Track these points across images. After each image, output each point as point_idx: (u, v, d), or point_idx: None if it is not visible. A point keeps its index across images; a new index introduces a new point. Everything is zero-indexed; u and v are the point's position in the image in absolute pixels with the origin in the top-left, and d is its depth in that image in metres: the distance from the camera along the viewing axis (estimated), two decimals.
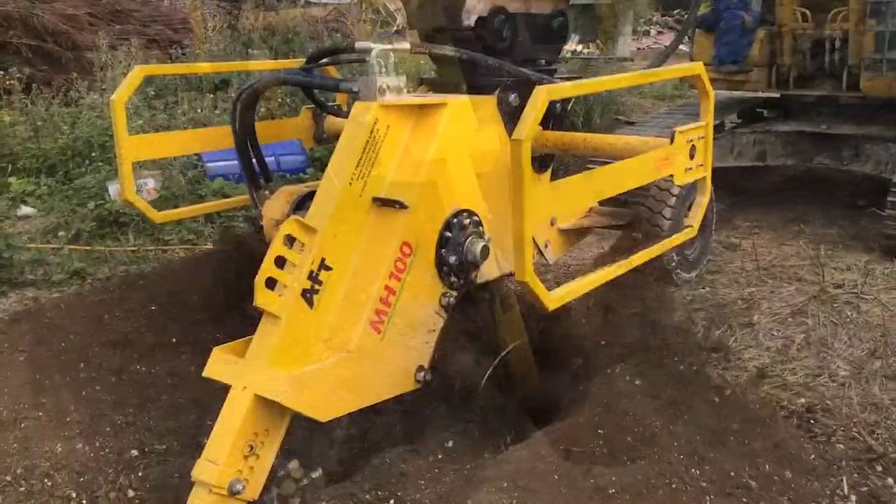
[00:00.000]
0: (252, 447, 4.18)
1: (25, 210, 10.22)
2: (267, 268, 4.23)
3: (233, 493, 4.08)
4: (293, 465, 4.51)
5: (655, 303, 5.76)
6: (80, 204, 10.01)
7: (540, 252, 5.53)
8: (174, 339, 5.25)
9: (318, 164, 11.27)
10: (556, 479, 3.33)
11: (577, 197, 4.24)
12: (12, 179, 10.95)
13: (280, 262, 4.30)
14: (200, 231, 9.37)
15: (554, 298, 3.86)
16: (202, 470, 4.07)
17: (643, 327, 5.25)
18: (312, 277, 4.33)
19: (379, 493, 4.38)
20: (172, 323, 5.31)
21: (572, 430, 3.57)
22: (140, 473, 4.63)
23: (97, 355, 5.01)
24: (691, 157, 4.60)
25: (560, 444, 3.47)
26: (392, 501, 4.28)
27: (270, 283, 4.25)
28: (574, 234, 5.90)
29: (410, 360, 4.69)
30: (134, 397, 4.96)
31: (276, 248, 4.28)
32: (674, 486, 3.67)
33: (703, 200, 4.84)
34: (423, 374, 4.69)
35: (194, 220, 9.50)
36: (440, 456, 4.70)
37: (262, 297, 4.19)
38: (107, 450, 4.69)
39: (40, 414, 4.63)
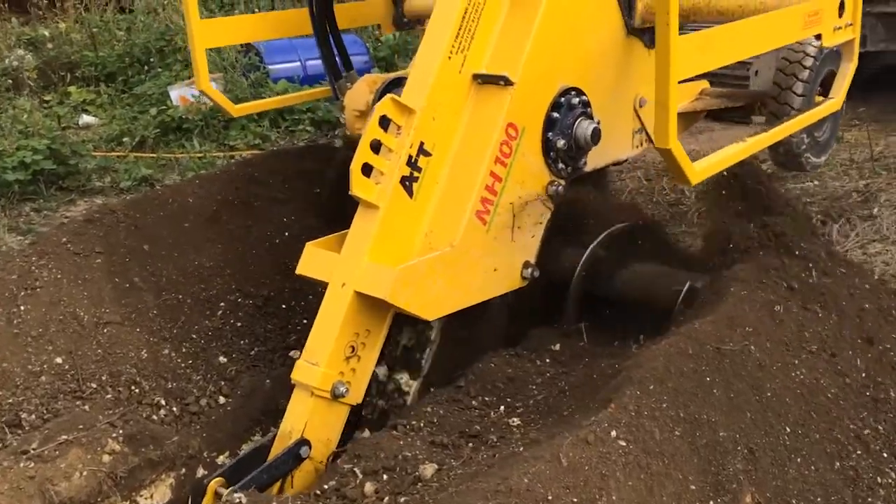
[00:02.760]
0: (354, 348, 3.85)
1: (87, 119, 9.96)
2: (363, 153, 3.80)
3: (336, 397, 3.78)
4: (393, 369, 4.21)
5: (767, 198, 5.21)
6: (142, 111, 9.70)
7: (649, 138, 4.99)
8: (257, 238, 4.90)
9: (383, 65, 10.73)
10: (713, 380, 2.90)
11: (720, 53, 3.70)
12: (72, 88, 10.68)
13: (376, 147, 3.87)
14: (266, 135, 8.98)
15: (697, 171, 3.37)
16: (303, 372, 3.77)
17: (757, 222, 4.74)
18: (411, 163, 3.90)
19: (486, 398, 4.02)
20: (256, 222, 4.96)
21: (715, 327, 3.13)
22: (230, 379, 4.33)
23: (178, 257, 4.70)
24: (840, 14, 4.00)
25: (707, 341, 3.03)
26: (503, 408, 3.91)
27: (366, 171, 3.84)
28: (683, 119, 5.35)
29: (516, 254, 4.28)
30: (219, 300, 4.65)
31: (372, 131, 3.84)
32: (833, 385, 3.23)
33: (849, 68, 4.24)
34: (529, 270, 4.27)
35: (259, 125, 9.12)
36: (547, 360, 4.30)
37: (359, 186, 3.78)
38: (194, 356, 4.41)
39: (122, 319, 4.35)
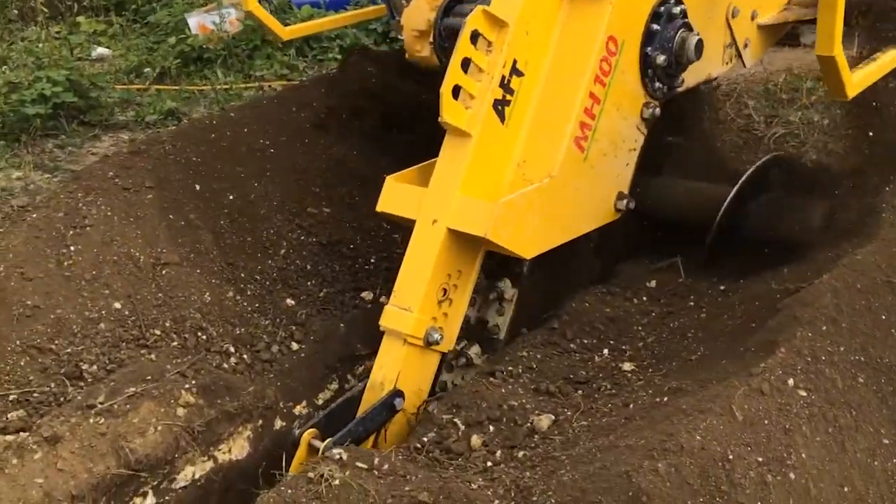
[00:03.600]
0: (446, 291, 3.51)
1: (100, 51, 9.41)
2: (453, 74, 3.39)
3: (429, 344, 3.46)
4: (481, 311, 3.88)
5: None
6: (158, 41, 9.17)
7: (738, 54, 4.58)
8: (318, 172, 4.52)
9: None
10: (889, 318, 2.57)
11: None
12: (81, 19, 10.11)
13: (465, 66, 3.47)
14: (293, 65, 8.50)
15: (854, 83, 2.99)
16: (394, 319, 3.43)
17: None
18: (504, 85, 3.50)
19: (586, 340, 3.70)
20: (314, 155, 4.56)
21: (880, 258, 2.78)
22: (301, 324, 4.00)
23: (233, 192, 4.32)
24: None
25: (874, 273, 2.69)
26: (606, 351, 3.60)
27: (455, 94, 3.44)
28: (772, 32, 4.91)
29: (611, 185, 3.92)
30: (281, 239, 4.29)
31: (462, 48, 3.42)
32: None
33: None
34: (624, 201, 3.92)
35: (285, 54, 8.62)
36: (645, 298, 3.98)
37: (450, 111, 3.38)
38: (260, 298, 4.07)
39: (181, 259, 4.00)
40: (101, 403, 3.28)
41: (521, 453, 2.96)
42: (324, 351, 3.90)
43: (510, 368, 3.53)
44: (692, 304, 3.77)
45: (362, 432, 3.36)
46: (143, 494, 3.25)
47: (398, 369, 3.42)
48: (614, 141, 3.87)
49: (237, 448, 3.53)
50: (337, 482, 2.76)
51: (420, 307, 3.38)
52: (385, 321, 3.44)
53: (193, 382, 3.46)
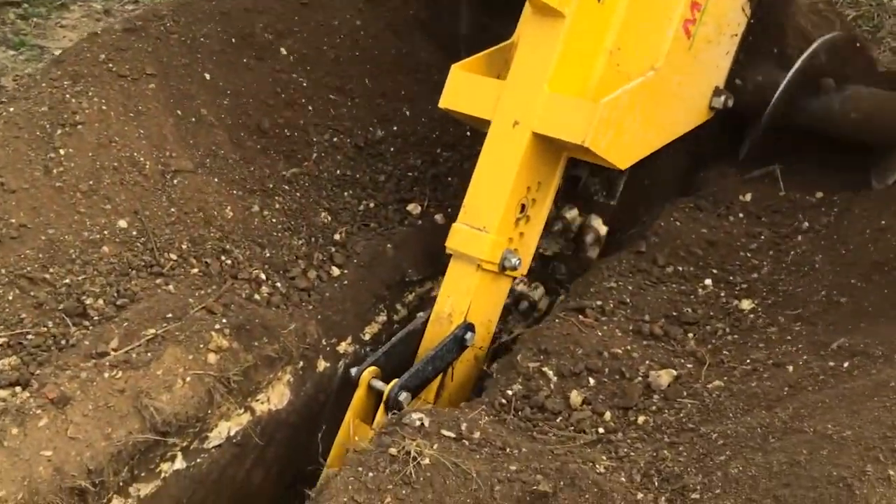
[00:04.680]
0: (524, 206, 2.92)
1: None
2: None
3: (504, 269, 2.89)
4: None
5: None
6: None
7: None
8: (351, 59, 3.76)
9: None
10: None
11: None
12: None
13: None
14: None
15: None
16: (466, 240, 2.85)
17: None
18: None
19: (682, 268, 3.14)
20: (350, 35, 3.79)
21: None
22: (340, 244, 3.38)
23: (251, 81, 3.59)
24: None
25: None
26: (709, 282, 3.04)
27: None
28: None
29: (710, 78, 3.34)
30: (310, 140, 3.60)
31: None
32: None
33: None
34: (721, 98, 3.31)
35: None
36: (741, 216, 3.40)
37: None
38: (290, 213, 3.43)
39: (194, 165, 3.32)
40: (114, 350, 2.68)
41: (640, 418, 2.44)
42: (369, 277, 3.30)
43: (599, 303, 2.97)
44: (805, 224, 3.21)
45: (430, 373, 2.84)
46: (171, 459, 2.71)
47: (469, 299, 2.88)
48: (720, 25, 3.24)
49: (276, 396, 2.98)
50: (427, 461, 2.23)
51: (498, 227, 2.83)
52: (454, 243, 2.86)
53: (224, 321, 2.86)
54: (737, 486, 1.91)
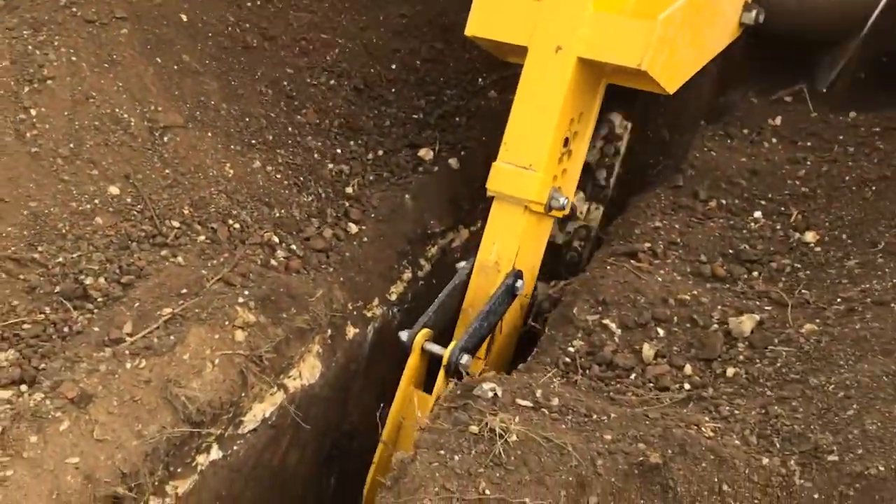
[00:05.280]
0: (567, 141, 2.68)
1: None
2: None
3: (550, 210, 2.67)
4: None
5: None
6: None
7: None
8: None
9: None
10: None
11: None
12: None
13: None
14: None
15: None
16: (511, 181, 2.63)
17: None
18: None
19: (726, 201, 2.95)
20: None
21: None
22: (354, 198, 3.09)
23: (233, 20, 3.21)
24: None
25: None
26: (760, 214, 2.86)
27: None
28: None
29: None
30: (306, 84, 3.25)
31: None
32: None
33: None
34: (753, 13, 3.09)
35: None
36: (774, 140, 3.22)
37: None
38: (295, 167, 3.10)
39: (185, 119, 2.95)
40: (129, 336, 2.37)
41: (728, 370, 2.26)
42: (390, 232, 3.03)
43: (648, 245, 2.77)
44: (849, 148, 3.04)
45: (486, 329, 2.65)
46: (207, 450, 2.43)
47: (517, 244, 2.67)
48: None
49: (307, 370, 2.71)
50: (514, 437, 2.01)
51: (545, 164, 2.60)
52: (497, 185, 2.63)
53: (247, 293, 2.56)
54: (883, 446, 1.74)
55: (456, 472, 1.94)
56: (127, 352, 2.31)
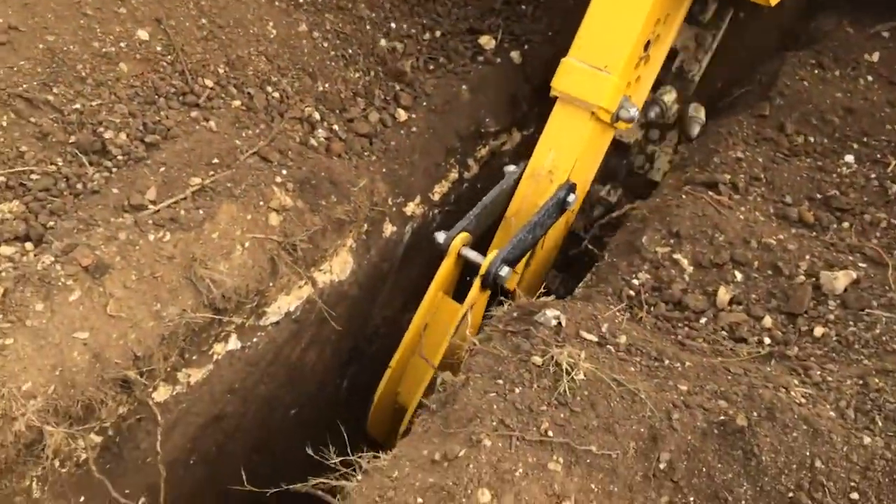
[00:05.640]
0: (648, 44, 2.39)
1: None
2: None
3: (619, 120, 2.41)
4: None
5: None
6: None
7: None
8: None
9: None
10: None
11: None
12: None
13: None
14: None
15: None
16: (579, 81, 2.37)
17: None
18: None
19: (815, 138, 2.67)
20: None
21: None
22: (407, 83, 2.77)
23: None
24: None
25: None
26: (851, 158, 2.59)
27: None
28: None
29: None
30: None
31: None
32: None
33: None
34: None
35: None
36: (870, 78, 2.92)
37: None
38: (344, 38, 2.77)
39: None
40: (152, 204, 2.09)
41: (816, 329, 2.04)
42: (441, 125, 2.73)
43: (727, 177, 2.50)
44: None
45: (530, 242, 2.43)
46: (225, 339, 2.20)
47: (577, 153, 2.43)
48: None
49: (338, 265, 2.46)
50: (582, 376, 1.79)
51: (622, 67, 2.35)
52: (565, 85, 2.38)
53: (284, 173, 2.28)
54: None
55: (516, 406, 1.72)
56: (150, 221, 2.04)
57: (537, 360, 1.81)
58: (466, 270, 2.42)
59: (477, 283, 2.29)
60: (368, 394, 2.86)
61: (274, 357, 2.37)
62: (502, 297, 2.28)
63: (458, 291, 2.46)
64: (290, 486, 1.77)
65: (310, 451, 1.85)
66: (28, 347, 1.80)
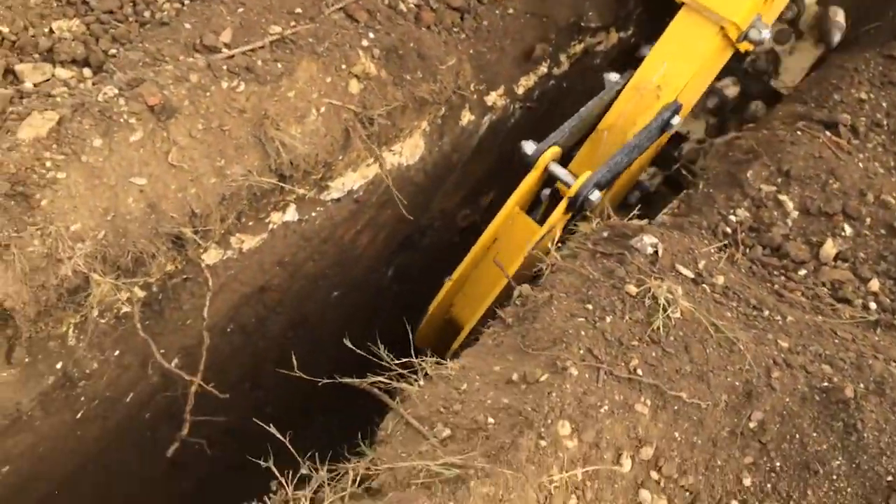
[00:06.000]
0: None
1: None
2: None
3: (745, 39, 2.17)
4: None
5: None
6: None
7: None
8: None
9: None
10: None
11: None
12: None
13: None
14: None
15: None
16: None
17: None
18: None
19: None
20: None
21: None
22: None
23: None
24: None
25: None
26: None
27: None
28: None
29: None
30: None
31: None
32: None
33: None
34: None
35: None
36: None
37: None
38: None
39: None
40: (226, 47, 1.87)
41: None
42: (541, 11, 2.48)
43: (847, 118, 2.28)
44: None
45: (625, 165, 2.21)
46: (284, 208, 2.03)
47: (693, 70, 2.23)
48: None
49: (409, 148, 2.26)
50: (678, 314, 1.63)
51: None
52: None
53: (371, 36, 2.06)
54: None
55: (606, 336, 1.57)
56: (224, 67, 1.83)
57: (632, 289, 1.65)
58: (549, 183, 2.23)
59: (563, 204, 2.11)
60: (412, 285, 2.72)
61: (328, 235, 2.20)
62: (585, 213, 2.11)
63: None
64: (345, 380, 1.63)
65: (347, 343, 1.70)
66: (81, 185, 1.63)
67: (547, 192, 2.32)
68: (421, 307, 2.38)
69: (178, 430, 2.02)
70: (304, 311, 2.38)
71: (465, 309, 2.36)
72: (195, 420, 1.89)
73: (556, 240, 2.08)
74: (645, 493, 1.49)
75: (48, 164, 1.59)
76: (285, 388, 2.60)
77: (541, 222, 2.20)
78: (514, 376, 1.52)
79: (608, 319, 1.59)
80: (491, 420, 1.47)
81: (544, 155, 2.12)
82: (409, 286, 2.72)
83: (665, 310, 1.61)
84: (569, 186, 2.17)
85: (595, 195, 2.07)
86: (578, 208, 2.09)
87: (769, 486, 1.55)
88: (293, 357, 1.76)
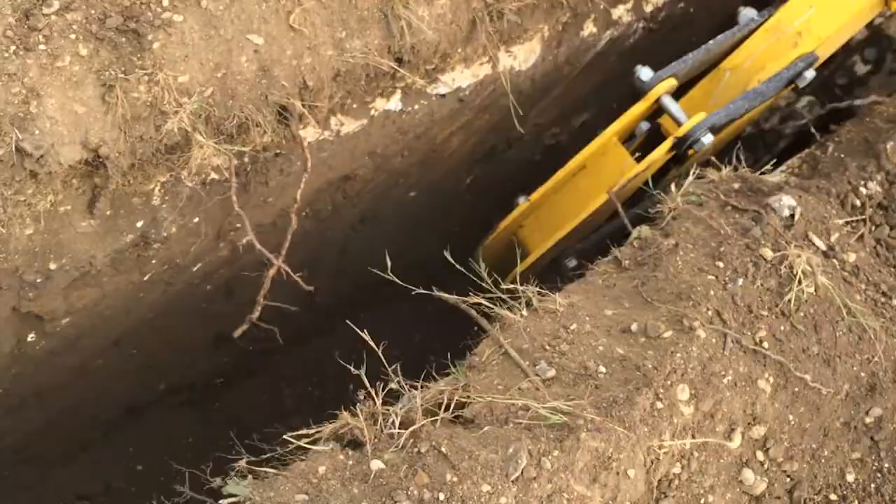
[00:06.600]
0: None
1: None
2: None
3: None
4: None
5: None
6: None
7: None
8: None
9: None
10: None
11: None
12: None
13: None
14: None
15: None
16: None
17: None
18: None
19: None
20: None
21: None
22: None
23: None
24: None
25: None
26: None
27: None
28: None
29: None
30: None
31: None
32: None
33: None
34: None
35: None
36: None
37: None
38: None
39: None
40: None
41: None
42: None
43: None
44: None
45: (744, 112, 2.04)
46: (389, 95, 1.87)
47: (842, 21, 2.07)
48: None
49: (525, 52, 2.08)
50: (812, 290, 1.50)
51: None
52: None
53: None
54: None
55: (735, 300, 1.45)
56: None
57: (767, 252, 1.52)
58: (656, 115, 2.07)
59: (668, 143, 1.95)
60: (484, 198, 2.58)
61: (423, 132, 2.05)
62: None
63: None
64: (440, 295, 1.51)
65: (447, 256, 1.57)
66: (196, 34, 1.47)
67: (645, 126, 2.17)
68: (489, 222, 2.26)
69: (232, 307, 1.93)
70: (378, 207, 2.25)
71: (535, 233, 2.23)
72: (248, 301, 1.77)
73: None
74: (748, 473, 1.40)
75: (166, 2, 1.43)
76: (340, 281, 2.51)
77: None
78: (634, 327, 1.40)
79: (739, 282, 1.47)
80: (602, 369, 1.36)
81: (660, 84, 1.95)
82: (481, 198, 2.59)
83: (801, 282, 1.49)
84: (679, 124, 2.02)
85: (708, 139, 1.91)
86: (685, 150, 1.94)
87: (873, 486, 1.46)
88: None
